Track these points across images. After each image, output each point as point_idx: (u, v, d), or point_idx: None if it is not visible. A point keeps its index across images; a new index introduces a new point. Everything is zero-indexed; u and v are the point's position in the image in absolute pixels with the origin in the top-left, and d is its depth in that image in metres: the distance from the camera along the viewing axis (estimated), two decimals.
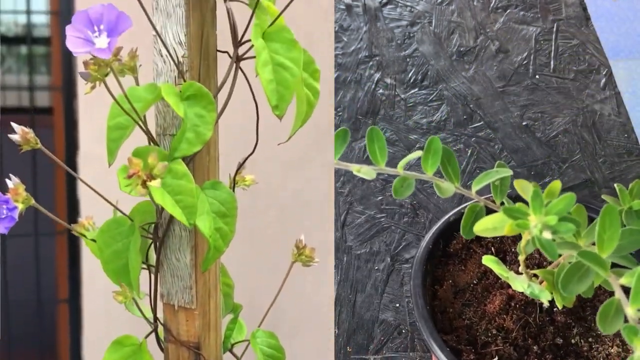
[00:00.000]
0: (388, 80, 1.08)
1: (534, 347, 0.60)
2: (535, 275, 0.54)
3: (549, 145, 0.99)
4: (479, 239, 0.69)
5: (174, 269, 0.51)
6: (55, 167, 1.20)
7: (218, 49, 0.51)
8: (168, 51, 0.48)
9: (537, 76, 1.08)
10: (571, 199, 0.42)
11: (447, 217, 0.69)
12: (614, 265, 0.43)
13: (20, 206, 0.47)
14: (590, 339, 0.62)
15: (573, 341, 0.62)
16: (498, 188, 0.52)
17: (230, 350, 0.58)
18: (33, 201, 0.48)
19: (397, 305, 0.83)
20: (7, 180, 0.47)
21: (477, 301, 0.65)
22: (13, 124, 0.48)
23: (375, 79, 1.08)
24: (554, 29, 1.14)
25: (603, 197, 0.52)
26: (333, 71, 1.08)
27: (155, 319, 0.52)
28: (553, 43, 1.12)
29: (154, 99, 0.46)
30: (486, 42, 1.13)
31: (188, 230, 0.49)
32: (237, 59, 0.49)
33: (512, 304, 0.63)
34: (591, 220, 0.50)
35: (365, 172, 0.50)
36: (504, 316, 0.62)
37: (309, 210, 0.80)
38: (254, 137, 0.52)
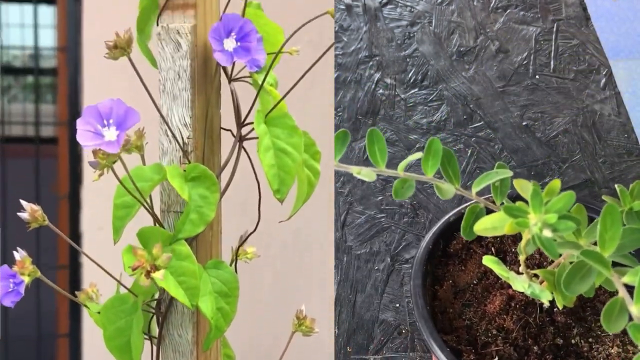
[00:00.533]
0: (388, 80, 1.08)
1: (534, 348, 0.60)
2: (535, 276, 0.54)
3: (549, 145, 0.99)
4: (479, 239, 0.69)
5: (176, 344, 0.51)
6: (58, 200, 1.20)
7: (222, 126, 0.53)
8: (173, 133, 0.50)
9: (537, 76, 1.08)
10: (571, 197, 0.42)
11: (447, 217, 0.69)
12: (615, 264, 0.43)
13: (27, 279, 0.48)
14: (590, 339, 0.62)
15: (573, 341, 0.62)
16: (498, 189, 0.52)
17: None
18: (39, 273, 0.49)
19: (397, 305, 0.83)
20: (15, 253, 0.49)
21: (477, 301, 0.65)
22: (22, 202, 0.50)
23: (375, 79, 1.08)
24: (554, 29, 1.14)
25: (603, 197, 0.52)
26: (333, 71, 1.08)
27: None
28: (553, 43, 1.12)
29: (160, 180, 0.48)
30: (486, 42, 1.13)
31: None
32: (240, 139, 0.51)
33: (512, 304, 0.63)
34: (591, 220, 0.50)
35: (365, 174, 0.50)
36: (504, 316, 0.62)
37: (308, 210, 0.80)
38: (255, 209, 0.53)
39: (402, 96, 1.05)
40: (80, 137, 0.43)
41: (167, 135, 0.50)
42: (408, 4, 1.19)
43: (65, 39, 1.29)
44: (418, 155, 0.52)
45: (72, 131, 1.15)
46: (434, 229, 0.68)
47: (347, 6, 1.18)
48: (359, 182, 0.94)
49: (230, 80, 0.53)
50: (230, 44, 0.49)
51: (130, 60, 0.46)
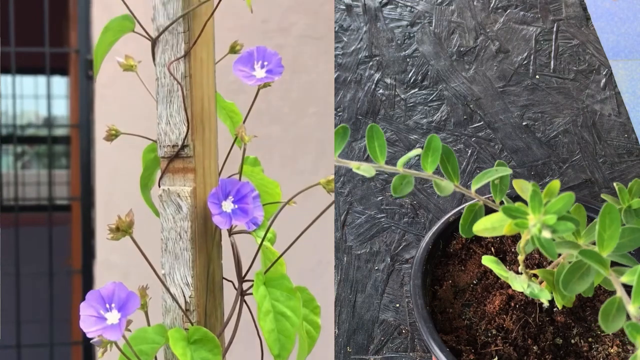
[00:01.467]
0: (388, 80, 1.08)
1: (534, 347, 0.60)
2: (535, 275, 0.54)
3: (549, 145, 0.99)
4: (478, 239, 0.69)
5: None
6: (72, 274, 1.20)
7: (224, 275, 0.55)
8: (174, 297, 0.51)
9: (537, 76, 1.08)
10: (570, 197, 0.42)
11: (447, 217, 0.69)
12: (614, 264, 0.43)
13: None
14: (590, 339, 0.62)
15: (573, 341, 0.62)
16: (497, 187, 0.52)
17: None
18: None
19: (397, 305, 0.83)
20: None
21: (477, 301, 0.65)
22: None
23: (375, 79, 1.08)
24: (554, 29, 1.14)
25: (602, 196, 0.52)
26: (333, 71, 1.08)
27: None
28: (553, 43, 1.12)
29: (163, 342, 0.50)
30: (486, 42, 1.13)
31: None
32: (242, 294, 0.52)
33: (512, 304, 0.63)
34: (590, 220, 0.49)
35: (364, 169, 0.50)
36: (504, 316, 0.62)
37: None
38: None
39: (402, 96, 1.05)
40: (83, 324, 0.45)
41: (170, 293, 0.52)
42: (408, 4, 1.19)
43: (77, 115, 1.31)
44: (417, 151, 0.52)
45: (85, 206, 1.16)
46: (434, 228, 0.68)
47: (347, 6, 1.18)
48: (359, 182, 0.94)
49: (231, 233, 0.55)
50: (228, 205, 0.52)
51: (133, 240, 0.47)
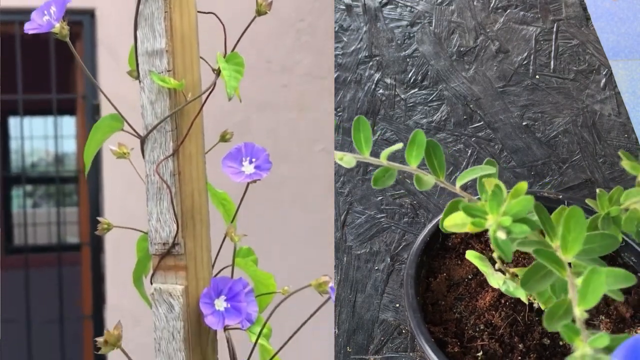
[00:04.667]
0: (388, 80, 1.08)
1: (520, 346, 0.61)
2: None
3: (549, 145, 0.99)
4: (478, 235, 0.69)
5: None
6: (83, 320, 1.20)
7: None
8: None
9: (537, 76, 1.08)
10: (528, 201, 0.42)
11: None
12: None
13: None
14: None
15: (561, 343, 0.62)
16: (483, 185, 0.52)
17: None
18: None
19: (397, 305, 0.83)
20: None
21: (470, 296, 0.65)
22: None
23: (375, 79, 1.08)
24: (554, 29, 1.15)
25: (587, 201, 0.52)
26: (333, 71, 1.08)
27: None
28: (553, 43, 1.12)
29: None
30: (486, 42, 1.13)
31: None
32: None
33: (503, 301, 0.63)
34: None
35: (346, 160, 0.51)
36: (493, 312, 0.63)
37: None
38: None
39: (402, 96, 1.05)
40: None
41: None
42: (408, 4, 1.19)
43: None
44: (399, 145, 0.52)
45: (95, 251, 1.17)
46: (434, 222, 0.68)
47: (347, 6, 1.18)
48: (359, 182, 0.94)
49: (226, 329, 0.55)
50: (221, 304, 0.52)
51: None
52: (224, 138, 0.59)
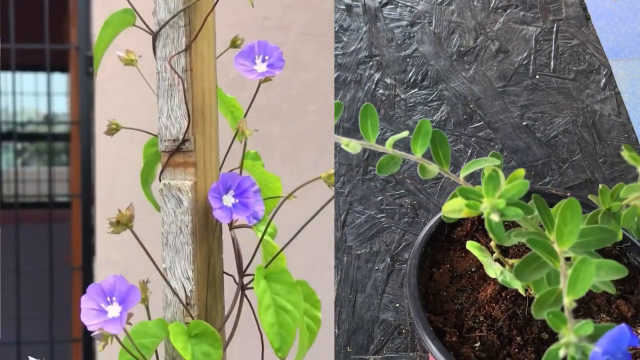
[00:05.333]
0: (388, 80, 1.08)
1: (518, 339, 0.61)
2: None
3: (549, 145, 0.99)
4: (484, 228, 0.69)
5: None
6: (72, 271, 1.20)
7: (225, 269, 0.56)
8: (174, 291, 0.51)
9: (537, 76, 1.08)
10: (524, 185, 0.42)
11: None
12: None
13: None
14: None
15: (560, 338, 0.62)
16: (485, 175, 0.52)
17: None
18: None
19: (397, 305, 0.83)
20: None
21: (472, 288, 0.65)
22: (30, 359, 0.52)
23: (375, 79, 1.08)
24: (554, 29, 1.14)
25: (589, 197, 0.52)
26: (333, 71, 1.08)
27: None
28: (553, 43, 1.12)
29: (163, 336, 0.50)
30: (486, 42, 1.13)
31: None
32: (242, 288, 0.52)
33: (503, 294, 0.63)
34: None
35: (352, 146, 0.51)
36: (494, 305, 0.63)
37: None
38: None
39: (402, 96, 1.05)
40: (84, 317, 0.45)
41: (171, 287, 0.52)
42: (408, 4, 1.19)
43: (77, 111, 1.31)
44: (405, 133, 0.52)
45: (85, 203, 1.16)
46: (439, 214, 0.68)
47: (347, 6, 1.18)
48: (359, 182, 0.94)
49: (231, 228, 0.55)
50: (229, 200, 0.52)
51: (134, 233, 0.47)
52: (234, 44, 0.58)
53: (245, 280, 0.53)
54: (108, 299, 0.45)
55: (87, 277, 1.16)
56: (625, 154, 0.45)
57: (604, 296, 0.64)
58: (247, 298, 0.53)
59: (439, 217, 0.67)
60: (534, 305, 0.40)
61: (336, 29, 1.15)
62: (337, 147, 0.97)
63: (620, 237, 0.45)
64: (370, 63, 1.10)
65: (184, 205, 0.52)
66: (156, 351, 0.50)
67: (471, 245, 0.57)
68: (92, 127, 1.21)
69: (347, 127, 1.01)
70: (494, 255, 0.55)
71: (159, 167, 0.54)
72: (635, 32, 1.14)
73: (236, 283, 0.53)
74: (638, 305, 0.63)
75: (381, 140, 0.51)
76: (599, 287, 0.44)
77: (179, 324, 0.50)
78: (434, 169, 0.52)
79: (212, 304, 0.53)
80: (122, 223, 0.46)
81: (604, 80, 1.07)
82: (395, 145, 0.53)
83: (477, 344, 0.60)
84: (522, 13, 1.17)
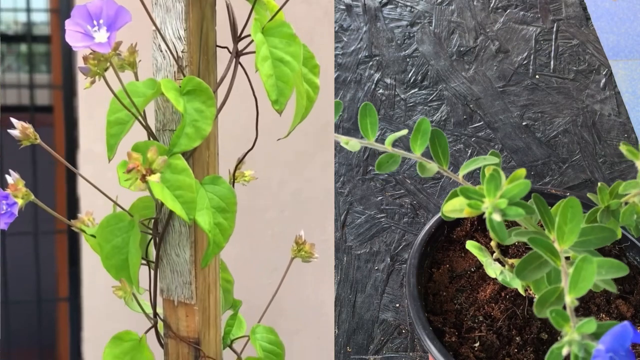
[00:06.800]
0: (388, 80, 1.08)
1: (517, 339, 0.61)
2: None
3: (549, 145, 0.99)
4: (483, 228, 0.69)
5: (174, 264, 0.51)
6: (56, 165, 1.20)
7: (218, 44, 0.51)
8: (167, 46, 0.48)
9: (537, 76, 1.08)
10: (526, 185, 0.42)
11: None
12: None
13: (20, 202, 0.47)
14: None
15: (559, 338, 0.62)
16: (485, 174, 0.52)
17: (230, 346, 0.57)
18: (33, 197, 0.48)
19: (397, 305, 0.83)
20: (7, 176, 0.47)
21: (471, 288, 0.65)
22: (12, 119, 0.48)
23: (375, 79, 1.08)
24: (554, 29, 1.15)
25: (588, 195, 0.52)
26: (333, 71, 1.08)
27: (155, 314, 0.52)
28: (553, 43, 1.12)
29: (154, 94, 0.46)
30: (486, 42, 1.13)
31: (187, 226, 0.49)
32: (237, 54, 0.49)
33: (503, 295, 0.63)
34: None
35: (352, 145, 0.51)
36: (493, 305, 0.63)
37: (308, 210, 0.80)
38: (253, 133, 0.52)
39: (402, 96, 1.05)
40: (70, 38, 0.41)
41: (161, 50, 0.48)
42: (408, 4, 1.19)
43: (57, 1, 1.27)
44: (404, 131, 0.52)
45: (67, 98, 1.13)
46: (439, 214, 0.68)
47: (347, 6, 1.18)
48: (359, 182, 0.94)
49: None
50: None
51: None
52: None
53: (240, 47, 0.49)
54: (95, 22, 0.42)
55: (70, 172, 1.14)
56: (623, 148, 0.45)
57: (603, 296, 0.64)
58: (241, 66, 0.49)
59: (438, 217, 0.67)
60: (536, 304, 0.40)
61: (336, 29, 1.15)
62: (337, 146, 0.97)
63: (619, 235, 0.45)
64: (370, 63, 1.10)
65: None
66: (145, 116, 0.47)
67: (471, 245, 0.57)
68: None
69: (347, 127, 1.01)
70: (494, 255, 0.55)
71: None
72: (635, 32, 1.14)
73: (230, 52, 0.49)
74: (637, 304, 0.63)
75: (381, 140, 0.51)
76: (600, 285, 0.44)
77: (170, 80, 0.47)
78: (433, 167, 0.52)
79: (205, 73, 0.50)
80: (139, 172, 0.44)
81: (604, 80, 1.07)
82: (395, 144, 0.52)
83: (477, 344, 0.60)
84: (522, 13, 1.17)
